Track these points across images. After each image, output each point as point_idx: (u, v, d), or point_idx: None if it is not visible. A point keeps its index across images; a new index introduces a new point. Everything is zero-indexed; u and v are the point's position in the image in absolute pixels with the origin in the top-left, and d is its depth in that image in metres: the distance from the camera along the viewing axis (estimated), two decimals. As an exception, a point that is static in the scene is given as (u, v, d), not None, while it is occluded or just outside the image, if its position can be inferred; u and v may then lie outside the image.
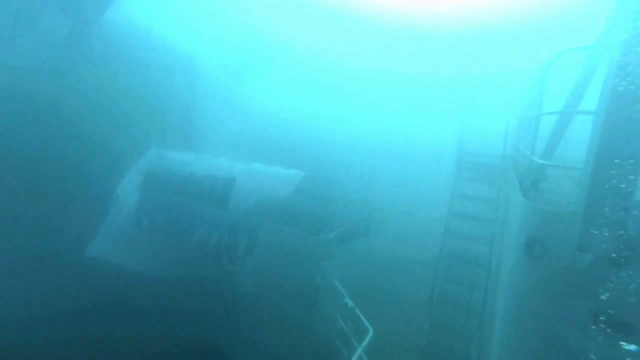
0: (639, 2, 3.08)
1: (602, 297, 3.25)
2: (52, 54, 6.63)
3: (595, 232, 3.30)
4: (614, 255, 3.23)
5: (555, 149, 5.53)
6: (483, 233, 7.61)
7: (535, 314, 3.66)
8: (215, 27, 10.82)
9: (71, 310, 6.10)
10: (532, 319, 3.69)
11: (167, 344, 6.12)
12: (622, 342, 3.17)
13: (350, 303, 7.10)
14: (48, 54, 6.60)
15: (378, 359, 5.99)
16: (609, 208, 3.25)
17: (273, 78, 11.64)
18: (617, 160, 3.21)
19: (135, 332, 6.12)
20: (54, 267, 6.34)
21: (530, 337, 3.68)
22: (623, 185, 3.20)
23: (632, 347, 3.13)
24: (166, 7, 9.24)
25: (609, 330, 3.23)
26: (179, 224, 7.33)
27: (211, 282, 7.27)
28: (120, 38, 7.58)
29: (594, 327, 3.26)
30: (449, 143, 9.27)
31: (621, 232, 3.22)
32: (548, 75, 4.59)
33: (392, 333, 7.73)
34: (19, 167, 6.65)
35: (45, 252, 6.34)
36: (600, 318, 3.25)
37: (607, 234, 3.26)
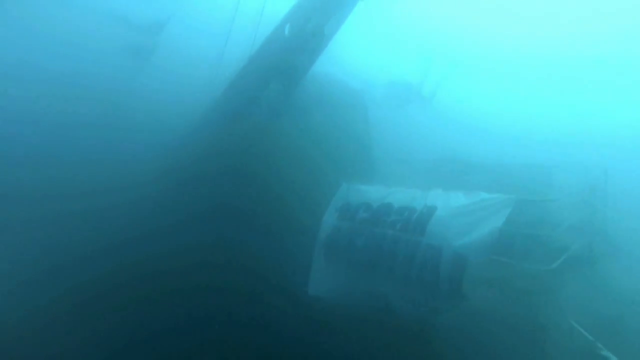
0: None
1: None
2: (265, 114, 7.78)
3: None
4: None
5: None
6: None
7: None
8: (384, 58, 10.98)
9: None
10: None
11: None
12: None
13: (613, 358, 5.58)
14: (265, 116, 7.77)
15: None
16: None
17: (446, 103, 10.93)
18: None
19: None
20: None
21: None
22: None
23: None
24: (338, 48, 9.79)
25: None
26: (378, 256, 7.20)
27: (413, 318, 6.89)
28: (309, 86, 8.36)
29: None
30: None
31: None
32: None
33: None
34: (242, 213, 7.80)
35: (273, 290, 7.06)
36: None
37: None
